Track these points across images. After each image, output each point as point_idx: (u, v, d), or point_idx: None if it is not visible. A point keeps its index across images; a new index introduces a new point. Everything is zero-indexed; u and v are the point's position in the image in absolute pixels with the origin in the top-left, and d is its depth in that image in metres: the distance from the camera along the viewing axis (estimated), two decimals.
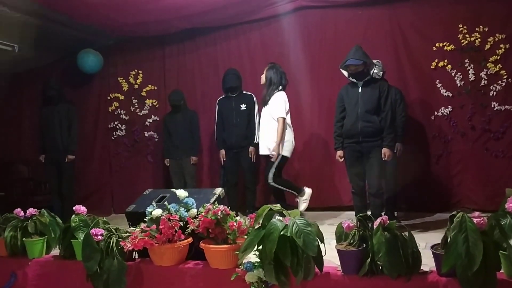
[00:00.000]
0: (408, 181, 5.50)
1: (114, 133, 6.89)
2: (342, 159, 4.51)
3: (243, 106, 5.63)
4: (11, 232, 3.06)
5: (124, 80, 6.85)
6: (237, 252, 2.34)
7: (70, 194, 6.11)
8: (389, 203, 5.10)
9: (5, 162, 7.16)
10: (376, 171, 4.32)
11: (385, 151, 4.28)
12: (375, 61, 4.81)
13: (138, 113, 6.82)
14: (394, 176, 5.04)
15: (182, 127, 5.92)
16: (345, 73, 4.46)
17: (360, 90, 4.38)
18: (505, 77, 5.08)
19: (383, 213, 4.74)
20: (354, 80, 4.43)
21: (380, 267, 2.21)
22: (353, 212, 5.09)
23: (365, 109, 4.30)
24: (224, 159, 5.71)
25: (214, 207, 2.61)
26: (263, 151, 5.12)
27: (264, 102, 5.09)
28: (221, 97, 5.80)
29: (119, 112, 6.87)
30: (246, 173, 5.71)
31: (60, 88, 6.24)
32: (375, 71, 4.74)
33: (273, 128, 4.96)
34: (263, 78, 5.13)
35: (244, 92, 5.74)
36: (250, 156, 5.59)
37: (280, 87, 5.06)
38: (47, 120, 6.08)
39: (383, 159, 4.29)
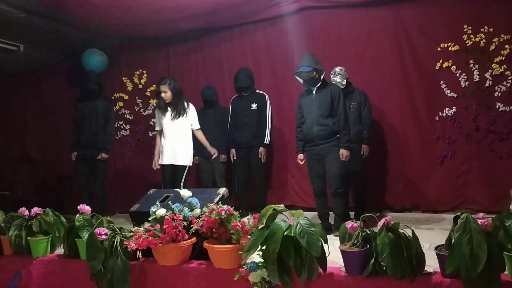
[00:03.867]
0: (412, 181, 5.51)
1: (118, 133, 6.91)
2: (303, 161, 4.72)
3: (254, 106, 5.62)
4: (15, 231, 3.07)
5: (128, 80, 6.87)
6: (241, 252, 2.34)
7: (103, 192, 5.93)
8: (358, 203, 5.29)
9: (9, 161, 7.20)
10: (334, 171, 4.49)
11: (342, 152, 4.45)
12: (337, 69, 5.07)
13: (143, 113, 6.84)
14: (361, 177, 5.24)
15: (214, 124, 5.74)
16: (300, 80, 4.64)
17: (314, 96, 4.59)
18: (510, 77, 5.05)
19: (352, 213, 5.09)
20: (308, 86, 4.63)
21: (384, 268, 2.20)
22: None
23: (319, 114, 4.53)
24: (235, 158, 5.71)
25: (218, 207, 2.61)
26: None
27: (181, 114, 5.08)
28: (234, 96, 5.81)
29: (124, 111, 6.90)
30: (255, 173, 5.70)
31: (101, 82, 6.06)
32: (338, 80, 4.98)
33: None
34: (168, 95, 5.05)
35: (257, 91, 5.74)
36: (260, 156, 5.59)
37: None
38: (83, 116, 5.86)
39: (342, 159, 4.45)
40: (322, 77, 4.59)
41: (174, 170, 5.07)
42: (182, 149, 5.07)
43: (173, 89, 5.04)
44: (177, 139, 5.06)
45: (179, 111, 5.05)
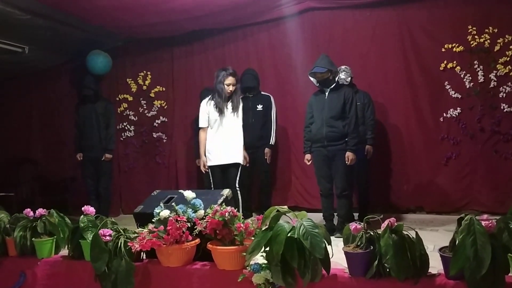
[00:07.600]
0: (416, 182, 5.50)
1: (122, 134, 6.92)
2: (310, 162, 4.73)
3: (259, 107, 5.62)
4: (20, 232, 3.08)
5: (132, 81, 6.89)
6: (244, 254, 2.34)
7: (107, 193, 6.09)
8: (362, 205, 5.31)
9: (14, 162, 7.22)
10: (341, 174, 4.53)
11: (348, 154, 4.47)
12: (343, 67, 5.05)
13: (147, 114, 6.85)
14: (365, 178, 5.27)
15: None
16: (314, 80, 4.65)
17: (326, 97, 4.60)
18: None
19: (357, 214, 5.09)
20: (321, 87, 4.64)
21: (388, 270, 2.19)
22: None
23: (330, 115, 4.54)
24: None
25: (222, 208, 2.61)
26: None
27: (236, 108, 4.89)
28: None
29: (128, 113, 6.91)
30: (261, 174, 5.71)
31: (97, 86, 6.19)
32: (343, 77, 4.97)
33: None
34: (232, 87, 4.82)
35: (262, 92, 5.74)
36: (265, 157, 5.59)
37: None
38: (84, 118, 6.03)
39: (347, 162, 4.47)
40: (336, 78, 4.62)
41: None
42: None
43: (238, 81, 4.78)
44: (231, 136, 4.86)
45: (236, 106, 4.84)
